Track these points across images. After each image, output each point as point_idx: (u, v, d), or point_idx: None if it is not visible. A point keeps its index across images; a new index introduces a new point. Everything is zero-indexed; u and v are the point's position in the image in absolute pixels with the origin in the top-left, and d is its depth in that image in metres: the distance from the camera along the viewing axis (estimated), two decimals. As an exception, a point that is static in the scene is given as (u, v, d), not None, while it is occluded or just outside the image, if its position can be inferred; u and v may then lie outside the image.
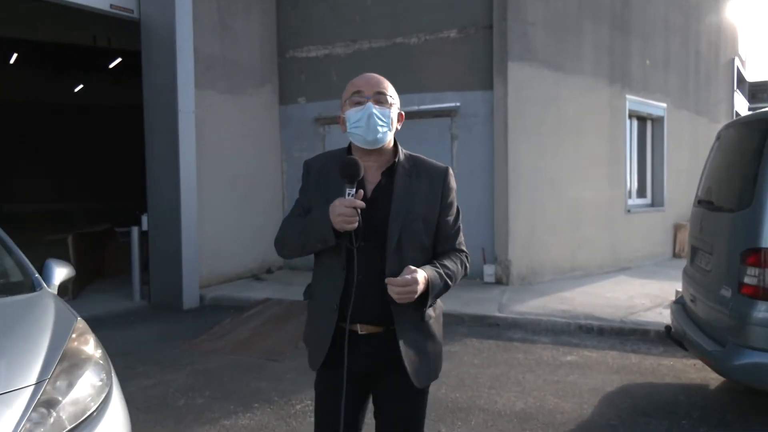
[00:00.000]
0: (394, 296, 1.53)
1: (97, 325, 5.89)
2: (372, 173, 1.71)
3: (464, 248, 1.82)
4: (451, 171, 1.82)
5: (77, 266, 7.20)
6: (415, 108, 7.54)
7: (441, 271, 1.66)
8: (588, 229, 7.80)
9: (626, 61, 8.47)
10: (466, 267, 1.80)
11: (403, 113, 1.79)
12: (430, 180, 1.75)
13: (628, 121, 8.60)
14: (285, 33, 8.30)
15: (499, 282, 7.01)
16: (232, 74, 7.49)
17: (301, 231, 1.69)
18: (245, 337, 5.11)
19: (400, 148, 1.79)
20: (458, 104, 7.37)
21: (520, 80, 7.03)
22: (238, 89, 7.60)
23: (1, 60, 17.26)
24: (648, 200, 9.48)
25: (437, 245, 1.76)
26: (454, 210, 1.80)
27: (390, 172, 1.73)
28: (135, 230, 6.84)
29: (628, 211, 8.58)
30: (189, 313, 6.29)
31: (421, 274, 1.56)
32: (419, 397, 1.75)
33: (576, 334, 5.29)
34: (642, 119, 9.24)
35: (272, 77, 8.25)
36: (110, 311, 6.35)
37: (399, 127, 1.77)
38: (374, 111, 1.65)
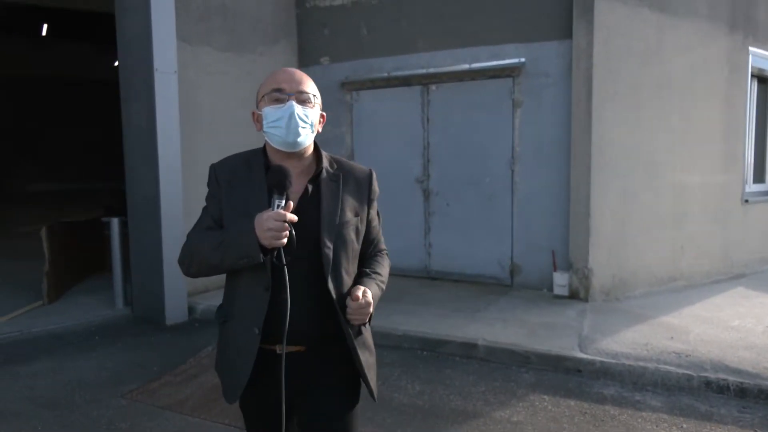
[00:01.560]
0: (352, 319, 1.50)
1: (52, 346, 4.41)
2: (294, 181, 1.50)
3: (384, 246, 1.79)
4: (374, 174, 1.70)
5: (54, 263, 6.16)
6: (466, 67, 5.84)
7: (377, 281, 1.63)
8: (694, 225, 5.90)
9: (751, 1, 6.37)
10: (389, 265, 1.77)
11: (324, 114, 1.62)
12: (356, 185, 1.64)
13: (749, 82, 6.53)
14: (304, -24, 6.71)
15: (574, 296, 5.28)
16: (236, 27, 6.00)
17: (217, 246, 1.49)
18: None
19: (322, 152, 1.64)
20: (523, 60, 5.59)
21: (610, 25, 5.17)
22: (244, 47, 6.11)
23: (35, 33, 16.58)
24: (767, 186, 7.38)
25: (363, 251, 1.69)
26: (377, 213, 1.74)
27: (315, 179, 1.58)
28: (115, 222, 5.55)
29: (746, 200, 6.57)
30: (171, 330, 4.95)
31: (370, 294, 1.51)
32: (352, 415, 1.64)
33: (702, 393, 3.55)
34: (763, 80, 7.10)
35: (289, 32, 6.70)
36: (81, 323, 5.12)
37: (320, 130, 1.60)
38: (296, 111, 1.50)
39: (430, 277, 6.26)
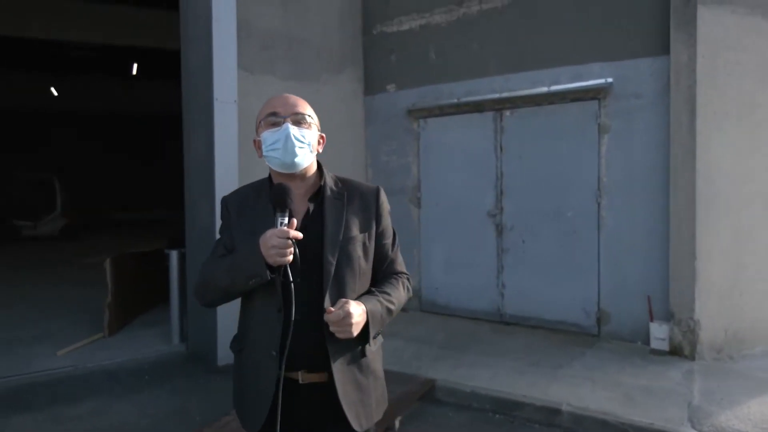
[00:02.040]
0: (335, 332, 1.43)
1: (101, 384, 4.15)
2: (298, 202, 1.55)
3: (404, 269, 1.70)
4: (382, 190, 1.67)
5: (117, 295, 6.12)
6: (545, 90, 5.30)
7: (381, 299, 1.55)
8: (827, 270, 4.92)
9: None
10: (408, 290, 1.67)
11: (324, 135, 1.66)
12: (363, 202, 1.62)
13: None
14: (372, 1, 6.49)
15: (676, 352, 4.48)
16: (300, 56, 5.84)
17: (227, 269, 1.51)
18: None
19: (325, 171, 1.66)
20: (610, 81, 4.98)
21: (717, 37, 4.48)
22: (309, 75, 5.92)
23: (125, 71, 17.76)
24: None
25: (375, 271, 1.65)
26: (390, 231, 1.68)
27: (317, 197, 1.59)
28: (174, 255, 5.42)
29: None
30: (221, 372, 4.64)
31: (357, 307, 1.45)
32: None
33: None
34: None
35: (355, 60, 6.48)
36: (134, 359, 4.96)
37: (320, 150, 1.64)
38: (292, 132, 1.52)
39: (503, 321, 5.63)
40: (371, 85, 6.54)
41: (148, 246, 7.86)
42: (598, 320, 5.08)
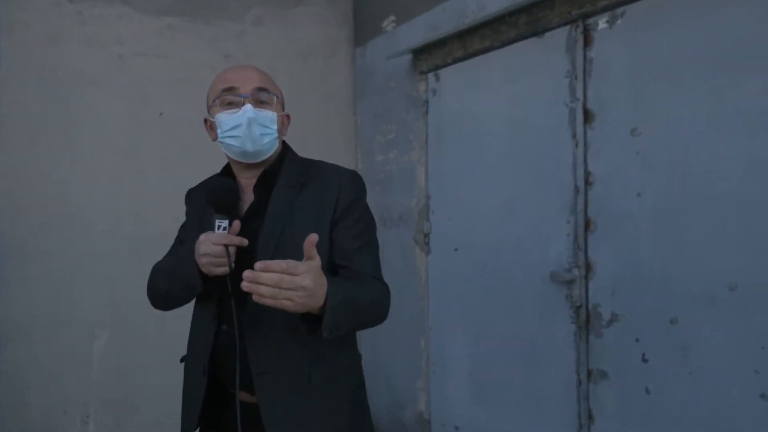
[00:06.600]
0: (260, 292, 0.96)
1: None
2: (251, 193, 1.31)
3: (378, 275, 1.27)
4: (354, 174, 1.30)
5: None
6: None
7: (340, 284, 1.10)
8: None
9: None
10: (381, 303, 1.22)
11: (289, 115, 1.34)
12: (323, 188, 1.27)
13: None
14: None
15: None
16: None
17: (167, 273, 1.30)
18: None
19: (288, 153, 1.35)
20: None
21: None
22: (222, 7, 3.28)
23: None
24: None
25: (337, 270, 1.24)
26: (360, 223, 1.27)
27: (264, 183, 1.29)
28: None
29: None
30: None
31: (315, 273, 1.01)
32: None
33: None
34: None
35: (329, -17, 3.64)
36: None
37: (286, 134, 1.35)
38: (255, 115, 1.22)
39: None
40: (362, 27, 3.62)
41: None
42: None
